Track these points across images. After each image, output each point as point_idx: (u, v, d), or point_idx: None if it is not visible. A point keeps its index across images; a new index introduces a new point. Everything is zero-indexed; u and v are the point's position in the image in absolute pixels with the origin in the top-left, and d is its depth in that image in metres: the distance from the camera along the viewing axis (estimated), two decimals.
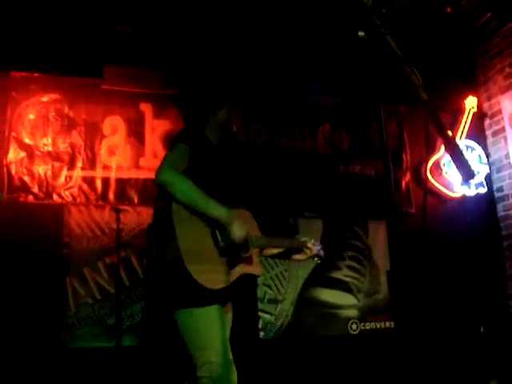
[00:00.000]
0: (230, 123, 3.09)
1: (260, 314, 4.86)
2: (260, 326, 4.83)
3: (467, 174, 1.46)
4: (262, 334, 4.84)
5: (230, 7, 4.95)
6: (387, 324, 5.12)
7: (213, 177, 2.85)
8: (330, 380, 4.82)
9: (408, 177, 5.54)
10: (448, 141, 1.50)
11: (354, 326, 5.07)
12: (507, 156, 5.57)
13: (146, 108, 4.98)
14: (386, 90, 1.64)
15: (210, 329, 2.57)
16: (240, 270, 2.75)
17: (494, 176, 5.69)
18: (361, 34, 1.49)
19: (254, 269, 2.89)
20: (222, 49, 5.03)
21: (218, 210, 2.67)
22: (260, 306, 4.87)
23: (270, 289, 4.95)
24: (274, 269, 4.99)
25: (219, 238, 2.68)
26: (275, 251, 3.30)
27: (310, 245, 3.25)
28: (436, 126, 1.45)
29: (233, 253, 2.72)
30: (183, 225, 2.61)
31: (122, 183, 4.78)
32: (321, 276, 5.12)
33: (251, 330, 4.72)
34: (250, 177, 4.94)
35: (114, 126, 4.89)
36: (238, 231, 2.67)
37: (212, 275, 2.60)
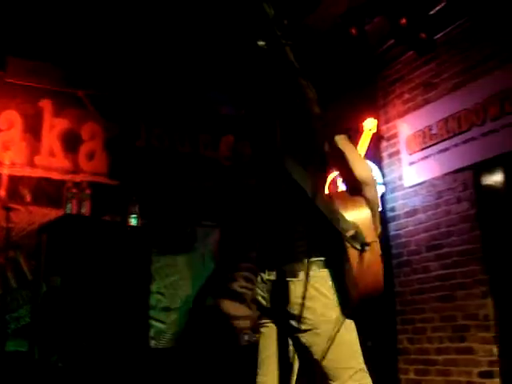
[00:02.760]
0: None
1: (152, 322, 4.78)
2: (151, 334, 4.75)
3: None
4: (152, 342, 4.76)
5: (137, 11, 4.88)
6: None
7: None
8: None
9: None
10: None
11: (247, 337, 5.09)
12: (401, 178, 5.80)
13: (45, 104, 4.82)
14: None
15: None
16: None
17: (388, 196, 5.90)
18: (260, 43, 1.50)
19: None
20: (127, 50, 4.95)
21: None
22: (152, 313, 4.79)
23: (164, 297, 4.89)
24: (169, 277, 4.94)
25: None
26: None
27: None
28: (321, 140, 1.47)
29: None
30: None
31: (14, 180, 4.59)
32: (216, 286, 5.11)
33: (141, 338, 4.64)
34: (150, 182, 4.88)
35: (10, 121, 4.70)
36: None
37: None
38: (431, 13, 5.11)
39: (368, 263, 2.26)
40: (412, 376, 5.37)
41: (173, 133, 5.14)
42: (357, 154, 2.48)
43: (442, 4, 5.07)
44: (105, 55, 4.97)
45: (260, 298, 2.43)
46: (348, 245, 2.23)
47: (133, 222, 4.70)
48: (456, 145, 5.19)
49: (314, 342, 2.29)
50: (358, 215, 2.34)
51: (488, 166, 5.06)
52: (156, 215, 4.90)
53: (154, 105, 5.06)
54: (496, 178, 5.13)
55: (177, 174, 5.07)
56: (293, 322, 2.27)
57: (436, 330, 5.17)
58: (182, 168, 5.10)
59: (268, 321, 2.42)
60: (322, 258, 2.33)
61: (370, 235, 2.31)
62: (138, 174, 4.91)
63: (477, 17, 5.10)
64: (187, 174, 5.10)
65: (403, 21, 4.94)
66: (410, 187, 5.69)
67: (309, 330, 2.29)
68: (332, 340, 2.26)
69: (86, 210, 4.71)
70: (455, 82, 5.30)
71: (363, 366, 2.36)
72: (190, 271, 5.02)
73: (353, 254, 2.24)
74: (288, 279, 2.25)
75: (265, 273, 2.39)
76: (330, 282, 2.33)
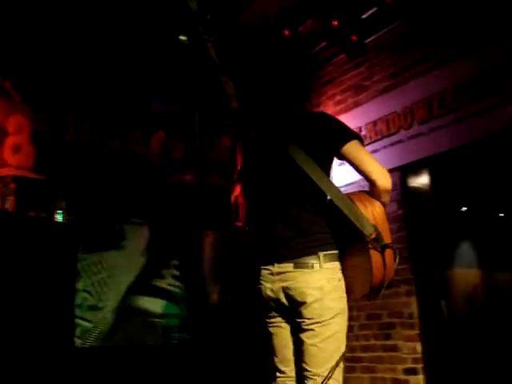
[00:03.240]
0: None
1: (78, 321, 4.67)
2: (77, 333, 4.64)
3: None
4: (78, 341, 4.65)
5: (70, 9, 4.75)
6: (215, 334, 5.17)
7: None
8: None
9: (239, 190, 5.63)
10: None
11: (176, 336, 5.05)
12: (331, 178, 5.87)
13: None
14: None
15: None
16: None
17: None
18: (182, 38, 1.48)
19: None
20: (57, 41, 4.81)
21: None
22: (78, 312, 4.68)
23: (91, 295, 4.78)
24: (96, 275, 4.84)
25: None
26: None
27: None
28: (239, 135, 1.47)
29: None
30: None
31: None
32: (144, 284, 5.05)
33: (66, 338, 4.52)
34: (78, 178, 4.76)
35: None
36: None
37: None
38: (363, 16, 5.21)
39: (388, 264, 2.38)
40: None
41: (103, 128, 5.03)
42: (373, 161, 2.52)
43: (374, 9, 5.17)
44: (34, 45, 4.81)
45: (269, 292, 2.48)
46: (370, 246, 2.32)
47: (59, 218, 4.57)
48: (385, 147, 5.30)
49: (317, 331, 2.39)
50: (376, 215, 2.43)
51: (415, 168, 5.20)
52: (83, 211, 4.79)
53: (83, 98, 4.94)
54: (422, 180, 5.28)
55: (106, 170, 4.96)
56: (302, 310, 2.38)
57: (363, 328, 5.27)
58: (111, 164, 4.99)
59: (279, 320, 2.52)
60: (335, 252, 2.42)
61: (387, 236, 2.39)
62: (65, 169, 4.78)
63: (407, 22, 5.23)
64: (116, 170, 5.00)
65: (335, 23, 5.01)
66: (341, 187, 5.76)
67: (314, 318, 2.38)
68: (332, 331, 2.41)
69: (9, 205, 4.55)
70: (385, 86, 5.42)
71: (342, 365, 2.49)
72: (119, 269, 4.93)
73: (375, 255, 2.33)
74: (301, 269, 2.38)
75: (273, 265, 2.45)
76: (340, 275, 2.43)
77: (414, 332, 4.87)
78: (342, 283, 2.44)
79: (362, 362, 5.25)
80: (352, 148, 2.53)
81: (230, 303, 5.08)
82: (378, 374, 5.10)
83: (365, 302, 5.24)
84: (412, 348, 4.87)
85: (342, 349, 2.46)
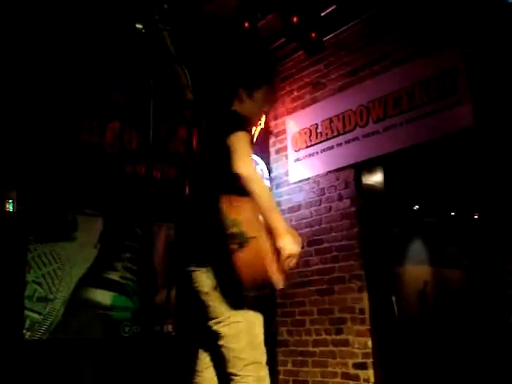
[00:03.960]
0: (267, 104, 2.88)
1: (28, 312, 4.58)
2: (26, 325, 4.56)
3: None
4: (28, 334, 4.56)
5: None
6: (167, 328, 5.15)
7: None
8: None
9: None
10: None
11: (127, 329, 5.00)
12: (287, 173, 5.91)
13: None
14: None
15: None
16: None
17: (274, 191, 5.99)
18: (138, 26, 1.47)
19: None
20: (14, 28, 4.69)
21: (280, 218, 2.52)
22: (28, 304, 4.59)
23: (41, 287, 4.70)
24: (47, 266, 4.75)
25: None
26: None
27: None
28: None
29: None
30: None
31: None
32: (96, 276, 4.97)
33: (15, 330, 4.44)
34: (30, 166, 4.67)
35: None
36: (291, 244, 2.47)
37: None
38: (323, 14, 5.23)
39: (249, 257, 2.34)
40: (290, 367, 5.50)
41: (56, 116, 4.93)
42: (242, 151, 2.49)
43: (334, 6, 5.20)
44: None
45: None
46: (229, 242, 2.34)
47: (9, 207, 4.49)
48: (340, 144, 5.36)
49: (220, 331, 2.49)
50: (241, 213, 2.42)
51: (369, 166, 5.27)
52: (35, 201, 4.69)
53: (37, 86, 4.84)
54: (375, 178, 5.36)
55: (59, 159, 4.86)
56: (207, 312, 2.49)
57: (314, 322, 5.32)
58: (64, 153, 4.90)
59: None
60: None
61: (252, 230, 2.38)
62: (16, 157, 4.68)
63: (366, 21, 5.29)
64: (70, 160, 4.91)
65: (295, 19, 5.02)
66: (295, 183, 5.82)
67: (215, 318, 2.49)
68: (235, 329, 2.46)
69: None
70: (342, 84, 5.47)
71: (261, 359, 2.51)
72: (70, 260, 4.85)
73: (234, 249, 2.34)
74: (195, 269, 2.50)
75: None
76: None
77: (365, 327, 4.95)
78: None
79: (313, 357, 5.30)
80: (233, 139, 2.51)
81: (182, 296, 5.06)
82: (329, 369, 5.16)
83: (317, 296, 5.31)
84: (363, 343, 4.94)
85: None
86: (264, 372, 2.50)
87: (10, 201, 4.49)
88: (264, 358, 2.53)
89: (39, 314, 4.65)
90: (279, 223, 2.48)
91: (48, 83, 4.92)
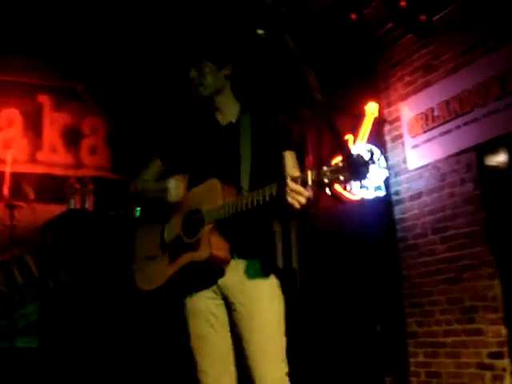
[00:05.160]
0: None
1: None
2: None
3: (356, 175, 1.51)
4: None
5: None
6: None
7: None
8: None
9: None
10: (337, 141, 1.53)
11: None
12: (404, 161, 5.78)
13: (44, 100, 4.80)
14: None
15: None
16: (182, 261, 2.42)
17: (392, 180, 5.88)
18: (260, 32, 1.49)
19: (198, 254, 2.36)
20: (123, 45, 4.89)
21: (162, 182, 2.56)
22: None
23: None
24: None
25: (165, 232, 2.52)
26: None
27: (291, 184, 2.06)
28: (328, 127, 1.47)
29: (178, 244, 2.44)
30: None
31: (17, 178, 4.58)
32: None
33: None
34: None
35: (10, 119, 4.69)
36: (173, 190, 2.47)
37: (146, 274, 2.55)
38: None
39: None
40: (421, 359, 5.38)
41: None
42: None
43: None
44: (102, 50, 4.93)
45: None
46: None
47: (137, 214, 4.67)
48: (458, 126, 5.17)
49: None
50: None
51: (491, 147, 5.04)
52: None
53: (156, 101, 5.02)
54: (499, 159, 5.11)
55: None
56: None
57: (444, 312, 5.17)
58: None
59: None
60: None
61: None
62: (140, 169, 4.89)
63: None
64: None
65: (403, 3, 4.91)
66: (414, 170, 5.68)
67: None
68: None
69: (89, 204, 4.70)
70: (455, 64, 5.27)
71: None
72: None
73: None
74: None
75: None
76: None
77: (498, 315, 4.75)
78: None
79: (445, 348, 5.16)
80: None
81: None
82: (462, 359, 5.00)
83: (445, 285, 5.16)
84: (496, 331, 4.74)
85: None
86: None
87: (138, 209, 4.71)
88: None
89: None
90: (162, 183, 2.58)
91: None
